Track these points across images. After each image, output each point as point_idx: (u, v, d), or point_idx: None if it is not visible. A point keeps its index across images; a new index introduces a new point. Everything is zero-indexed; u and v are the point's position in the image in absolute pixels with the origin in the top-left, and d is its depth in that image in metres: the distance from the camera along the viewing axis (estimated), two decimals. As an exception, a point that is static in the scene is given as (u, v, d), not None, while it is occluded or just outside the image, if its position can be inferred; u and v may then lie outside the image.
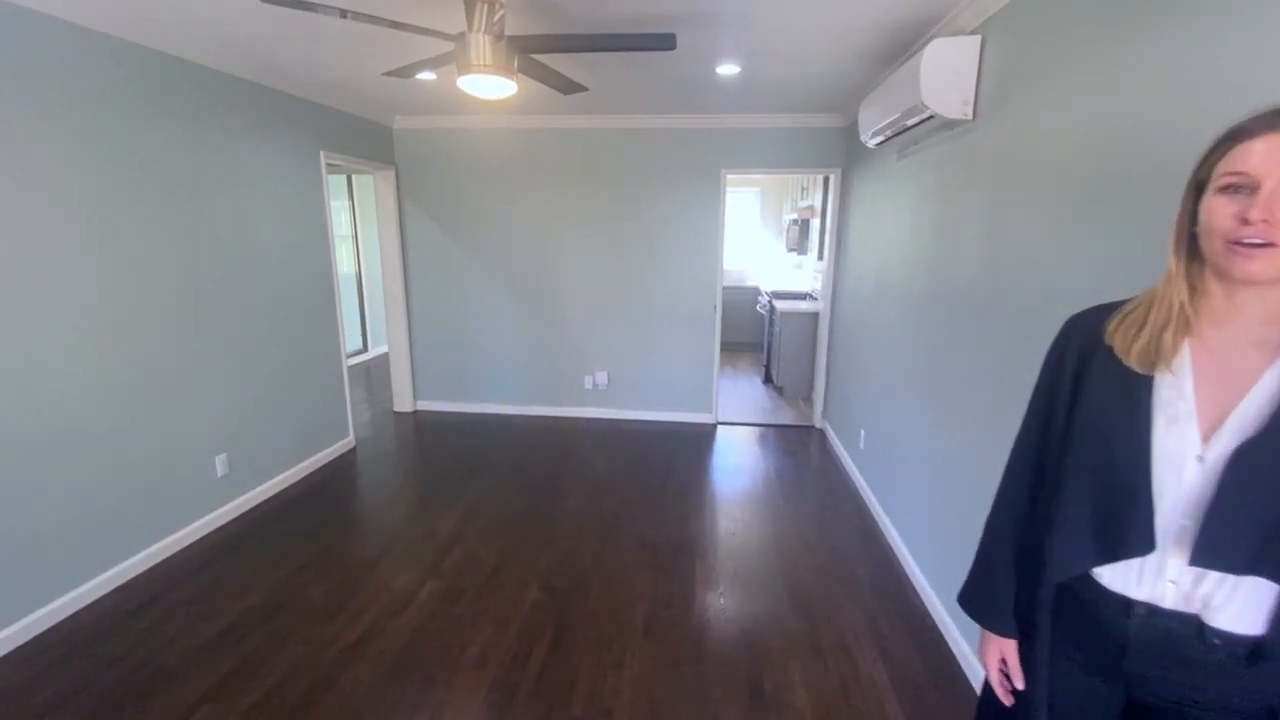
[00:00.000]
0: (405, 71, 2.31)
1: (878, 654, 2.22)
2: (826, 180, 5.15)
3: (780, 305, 5.49)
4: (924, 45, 2.40)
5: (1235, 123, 0.79)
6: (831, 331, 4.52)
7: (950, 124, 2.32)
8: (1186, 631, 0.86)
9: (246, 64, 2.98)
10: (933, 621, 2.40)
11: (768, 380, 6.09)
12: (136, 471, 2.63)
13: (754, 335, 7.26)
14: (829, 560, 2.85)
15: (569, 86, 2.46)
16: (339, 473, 3.82)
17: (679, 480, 3.76)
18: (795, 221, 6.36)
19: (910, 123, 2.44)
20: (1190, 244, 0.84)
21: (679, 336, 4.75)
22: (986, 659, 1.10)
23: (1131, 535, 0.87)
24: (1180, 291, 0.84)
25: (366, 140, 4.26)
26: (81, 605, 2.43)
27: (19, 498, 2.20)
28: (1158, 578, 0.87)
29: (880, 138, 2.86)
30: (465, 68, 1.99)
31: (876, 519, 3.21)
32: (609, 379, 4.88)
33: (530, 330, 4.88)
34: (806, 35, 2.54)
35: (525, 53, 2.02)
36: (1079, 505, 0.92)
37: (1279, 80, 1.05)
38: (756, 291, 7.37)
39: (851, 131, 4.10)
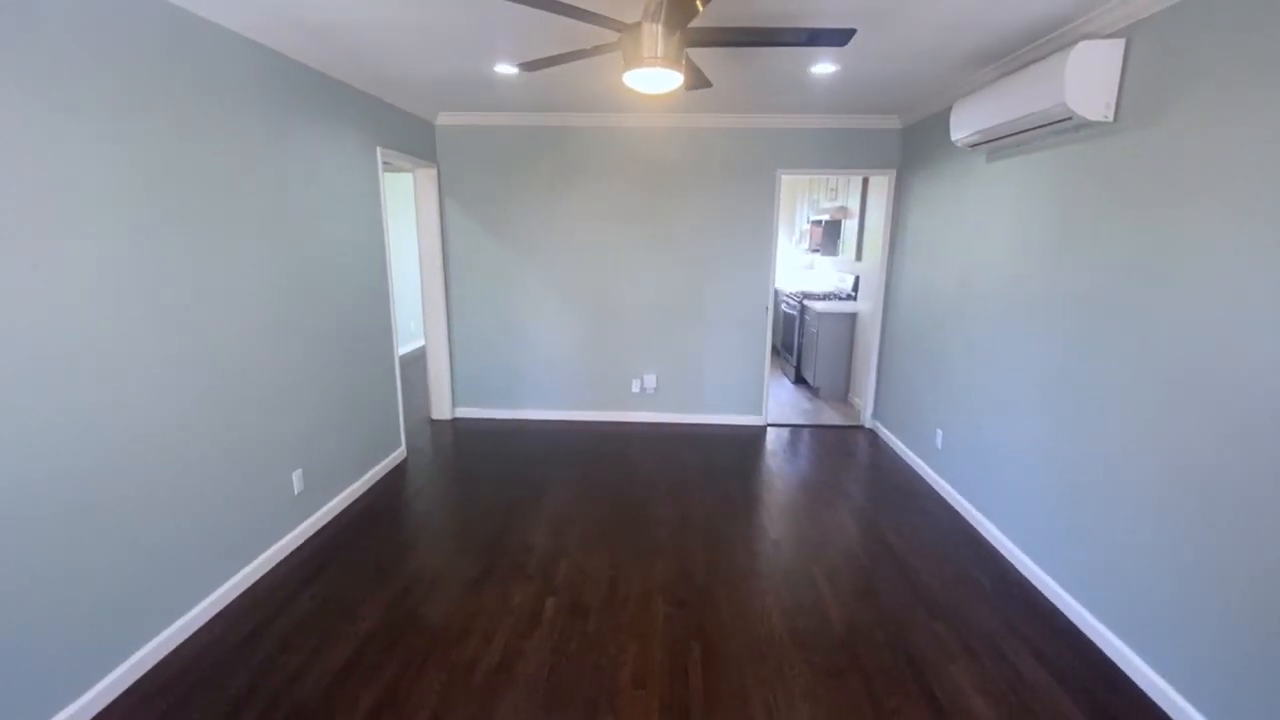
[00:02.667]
0: (543, 64, 2.20)
1: (1031, 654, 2.22)
2: (865, 181, 5.21)
3: (816, 306, 5.51)
4: (1061, 47, 2.43)
5: None
6: (885, 333, 4.55)
7: (1081, 126, 2.34)
8: None
9: (316, 49, 2.80)
10: (1068, 621, 2.41)
11: (799, 381, 6.11)
12: (221, 492, 2.42)
13: (775, 336, 7.28)
14: (940, 562, 2.85)
15: (700, 81, 2.39)
16: (399, 485, 3.64)
17: (755, 484, 3.72)
18: (819, 222, 6.40)
19: (1038, 124, 2.45)
20: None
21: (729, 338, 4.72)
22: None
23: None
24: None
25: (412, 136, 4.07)
26: (184, 638, 2.23)
27: (115, 527, 2.00)
28: None
29: (982, 138, 2.88)
30: (635, 61, 1.90)
31: (970, 517, 3.23)
32: (658, 382, 4.81)
33: (575, 333, 4.77)
34: (925, 34, 2.54)
35: (695, 45, 1.94)
36: None
37: None
38: (775, 292, 7.39)
39: (911, 133, 4.14)
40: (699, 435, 4.59)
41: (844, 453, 4.28)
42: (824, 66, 3.03)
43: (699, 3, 1.77)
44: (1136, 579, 2.11)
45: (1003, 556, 2.88)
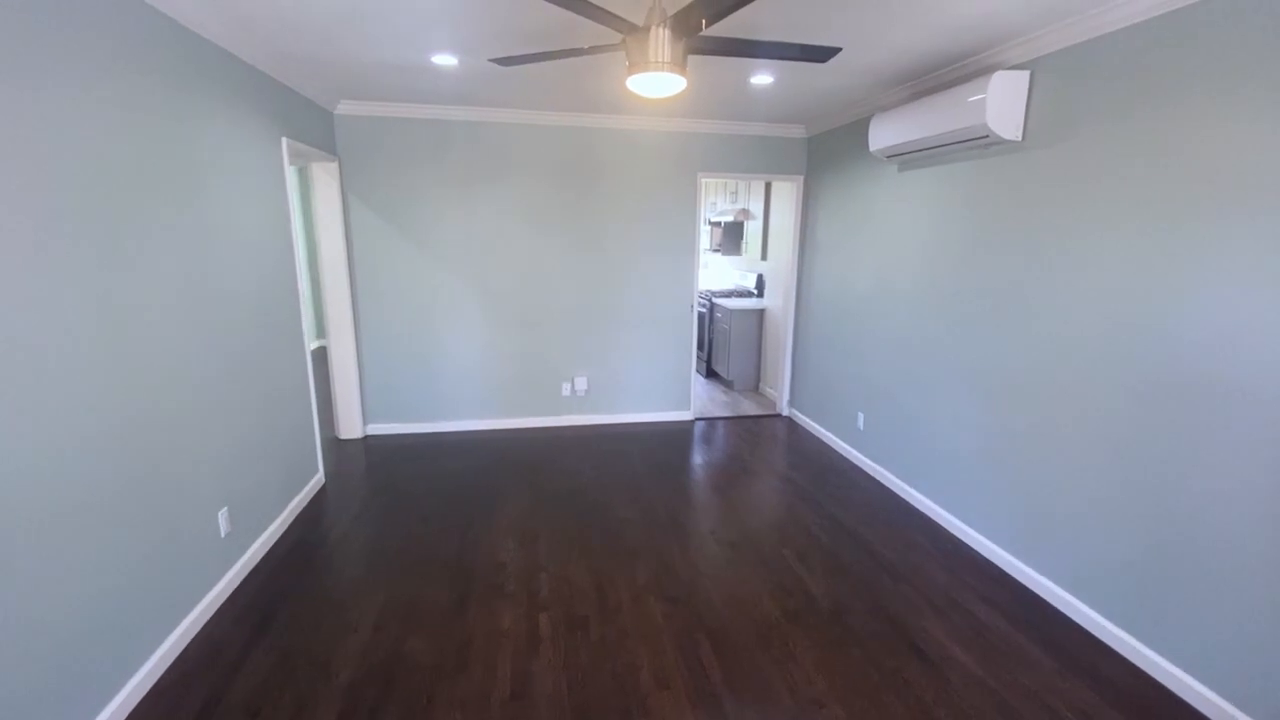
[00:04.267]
0: (525, 60, 2.10)
1: (982, 602, 2.55)
2: (768, 186, 5.57)
3: (727, 304, 5.80)
4: (973, 74, 2.79)
5: None
6: (799, 327, 4.90)
7: (994, 143, 2.72)
8: None
9: (224, 24, 2.44)
10: (1000, 570, 2.80)
11: (710, 375, 6.38)
12: (140, 549, 2.03)
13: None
14: (886, 531, 3.16)
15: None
16: (327, 515, 3.27)
17: (703, 476, 3.85)
18: (719, 224, 6.71)
19: (957, 140, 2.80)
20: None
21: (657, 337, 4.81)
22: None
23: None
24: None
25: (312, 126, 3.66)
26: (115, 725, 1.85)
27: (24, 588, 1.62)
28: None
29: (901, 150, 3.22)
30: (641, 65, 1.90)
31: (898, 490, 3.61)
32: (589, 384, 4.77)
33: (501, 338, 4.58)
34: (869, 55, 2.79)
35: (696, 53, 1.97)
36: None
37: None
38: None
39: (817, 142, 4.50)
40: (634, 434, 4.63)
41: (770, 440, 4.56)
42: (763, 78, 3.21)
43: (703, 21, 1.81)
44: (1059, 527, 2.52)
45: (934, 520, 3.26)
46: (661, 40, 1.87)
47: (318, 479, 3.59)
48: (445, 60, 2.97)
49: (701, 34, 1.96)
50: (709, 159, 4.57)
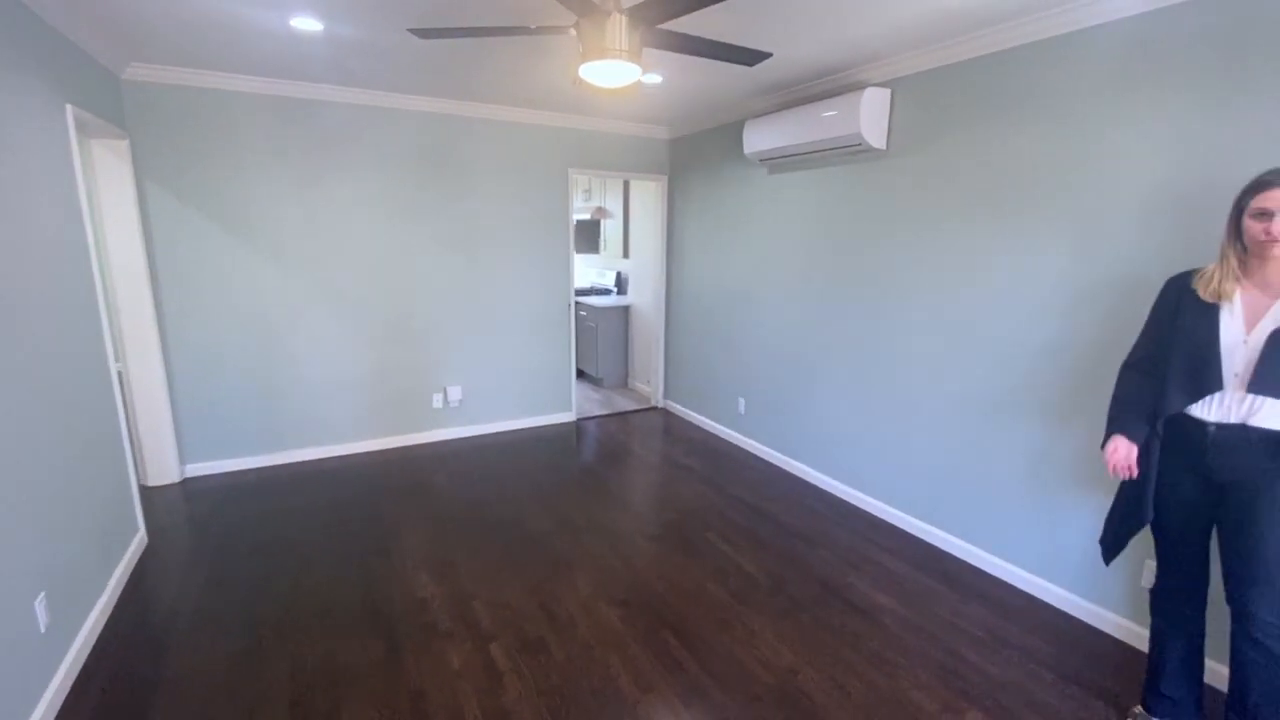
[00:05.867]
0: (451, 34, 1.88)
1: (887, 553, 2.91)
2: (626, 185, 5.67)
3: (592, 301, 5.80)
4: (843, 88, 3.13)
5: (1260, 177, 1.58)
6: (670, 322, 5.08)
7: (863, 151, 3.10)
8: (1239, 434, 1.63)
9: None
10: (891, 524, 3.21)
11: (579, 375, 6.31)
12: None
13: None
14: (787, 504, 3.43)
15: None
16: (166, 579, 2.61)
17: (604, 475, 3.81)
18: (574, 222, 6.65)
19: (831, 147, 3.14)
20: (1236, 239, 1.63)
21: (535, 337, 4.64)
22: (1116, 456, 1.73)
23: (1210, 383, 1.62)
24: (1232, 263, 1.63)
25: (93, 92, 2.86)
26: None
27: None
28: (1221, 406, 1.63)
29: (776, 154, 3.50)
30: (598, 52, 1.82)
31: (785, 465, 3.94)
32: (463, 393, 4.43)
33: (358, 349, 4.05)
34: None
35: (651, 46, 1.93)
36: (1179, 373, 1.66)
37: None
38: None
39: (680, 144, 4.71)
40: (519, 441, 4.42)
41: (654, 432, 4.68)
42: (653, 77, 3.26)
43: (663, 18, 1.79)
44: (926, 478, 2.96)
45: (823, 489, 3.62)
46: (620, 26, 1.81)
47: (140, 539, 2.85)
48: (307, 25, 2.53)
49: (662, 29, 1.94)
50: (578, 155, 4.52)
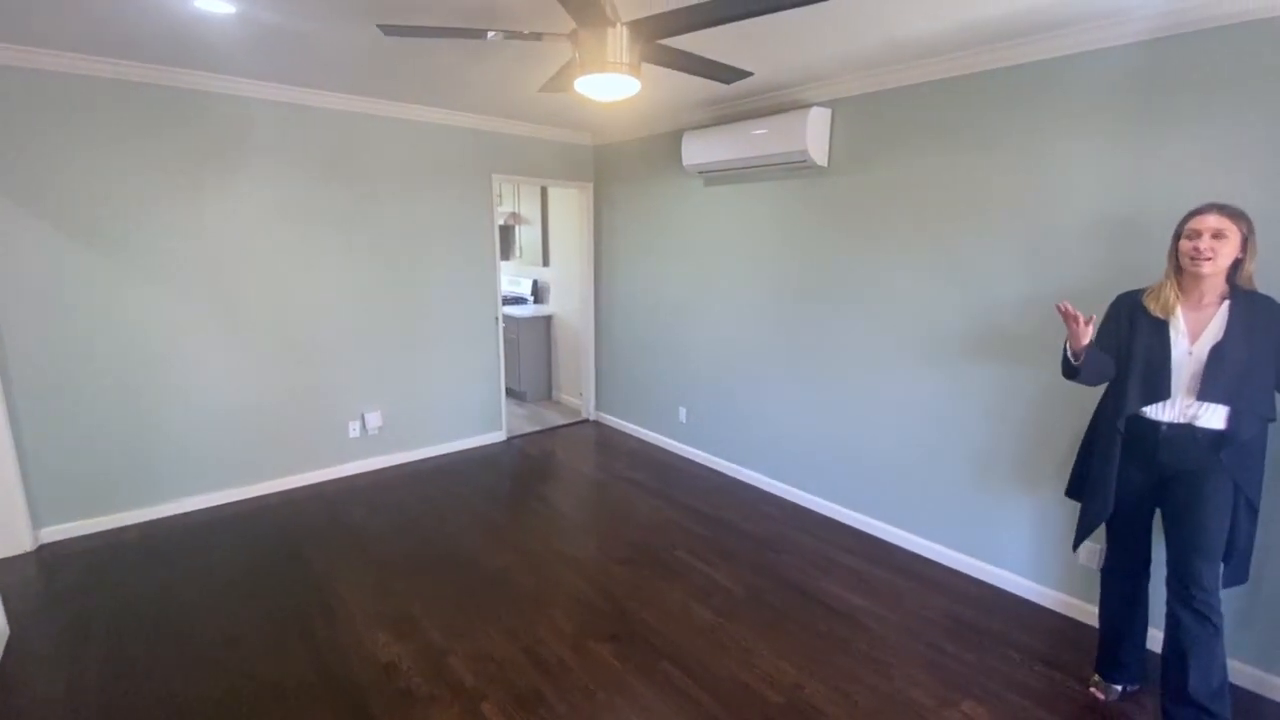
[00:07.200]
0: (421, 34, 1.67)
1: (845, 551, 3.04)
2: (544, 191, 5.48)
3: (509, 311, 5.54)
4: (787, 108, 3.22)
5: (1194, 208, 1.84)
6: (599, 332, 4.97)
7: (805, 167, 3.21)
8: (1187, 432, 1.90)
9: None
10: (843, 523, 3.36)
11: (496, 389, 6.00)
12: None
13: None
14: (738, 511, 3.48)
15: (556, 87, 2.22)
16: (50, 679, 2.11)
17: (551, 496, 3.65)
18: (479, 228, 6.32)
19: (775, 162, 3.22)
20: (1175, 260, 1.88)
21: (462, 353, 4.34)
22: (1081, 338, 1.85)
23: (1161, 391, 1.89)
24: (1173, 281, 1.88)
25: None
26: None
27: None
28: (1172, 409, 1.90)
29: (717, 167, 3.53)
30: (598, 65, 1.71)
31: (730, 471, 3.99)
32: (383, 419, 4.03)
33: (258, 376, 3.54)
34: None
35: (649, 61, 1.84)
36: (1135, 381, 1.91)
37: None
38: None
39: (606, 151, 4.63)
40: (450, 467, 4.11)
41: (592, 446, 4.56)
42: (597, 84, 3.15)
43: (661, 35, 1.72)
44: (884, 481, 3.15)
45: (775, 494, 3.71)
46: (621, 39, 1.71)
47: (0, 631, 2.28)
48: (216, 6, 2.14)
49: (661, 44, 1.85)
50: (500, 160, 4.30)
